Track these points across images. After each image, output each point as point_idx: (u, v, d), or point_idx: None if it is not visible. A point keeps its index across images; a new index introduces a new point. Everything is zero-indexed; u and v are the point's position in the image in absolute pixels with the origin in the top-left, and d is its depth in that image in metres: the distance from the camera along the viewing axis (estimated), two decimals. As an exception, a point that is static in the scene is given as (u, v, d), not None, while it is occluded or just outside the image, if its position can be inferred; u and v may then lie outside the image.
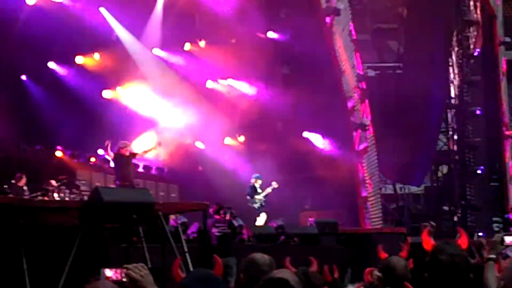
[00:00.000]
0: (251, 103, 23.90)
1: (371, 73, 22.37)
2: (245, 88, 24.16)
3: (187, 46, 23.59)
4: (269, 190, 19.40)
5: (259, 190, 19.41)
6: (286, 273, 3.99)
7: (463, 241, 4.44)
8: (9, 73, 21.06)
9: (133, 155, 15.48)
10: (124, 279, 3.44)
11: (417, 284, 4.79)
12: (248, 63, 23.39)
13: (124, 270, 3.45)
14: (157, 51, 23.54)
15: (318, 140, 23.49)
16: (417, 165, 22.85)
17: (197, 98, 23.67)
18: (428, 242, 5.05)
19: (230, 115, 24.23)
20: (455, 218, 23.61)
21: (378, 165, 21.93)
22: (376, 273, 7.36)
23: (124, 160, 15.09)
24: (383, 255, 6.33)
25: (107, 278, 3.76)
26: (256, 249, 14.19)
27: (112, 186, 16.07)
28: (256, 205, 19.23)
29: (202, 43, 23.49)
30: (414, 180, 23.49)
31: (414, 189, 24.61)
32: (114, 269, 3.58)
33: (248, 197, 19.31)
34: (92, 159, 22.38)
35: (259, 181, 19.58)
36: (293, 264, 6.18)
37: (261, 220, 18.88)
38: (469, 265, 4.08)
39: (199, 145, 24.37)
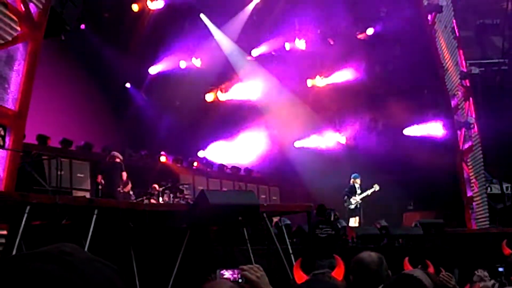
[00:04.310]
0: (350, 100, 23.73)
1: (475, 70, 21.74)
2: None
3: (287, 46, 23.54)
4: (369, 192, 19.03)
5: (358, 191, 19.10)
6: (418, 272, 3.91)
7: None
8: (114, 81, 21.71)
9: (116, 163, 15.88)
10: (240, 280, 3.47)
11: None
12: (344, 62, 23.26)
13: (240, 271, 3.49)
14: (255, 52, 23.71)
15: (420, 139, 23.01)
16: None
17: (294, 98, 23.69)
18: None
19: (328, 114, 24.12)
20: None
21: (484, 164, 21.33)
22: (479, 274, 7.15)
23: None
24: (507, 251, 6.13)
25: (224, 278, 3.81)
26: (360, 250, 14.10)
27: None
28: (351, 206, 18.87)
29: (300, 43, 23.42)
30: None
31: (521, 188, 23.80)
32: (230, 270, 3.63)
33: (345, 197, 18.99)
34: (195, 164, 22.76)
35: (358, 181, 19.28)
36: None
37: (352, 223, 18.53)
38: None
39: (299, 146, 24.36)
